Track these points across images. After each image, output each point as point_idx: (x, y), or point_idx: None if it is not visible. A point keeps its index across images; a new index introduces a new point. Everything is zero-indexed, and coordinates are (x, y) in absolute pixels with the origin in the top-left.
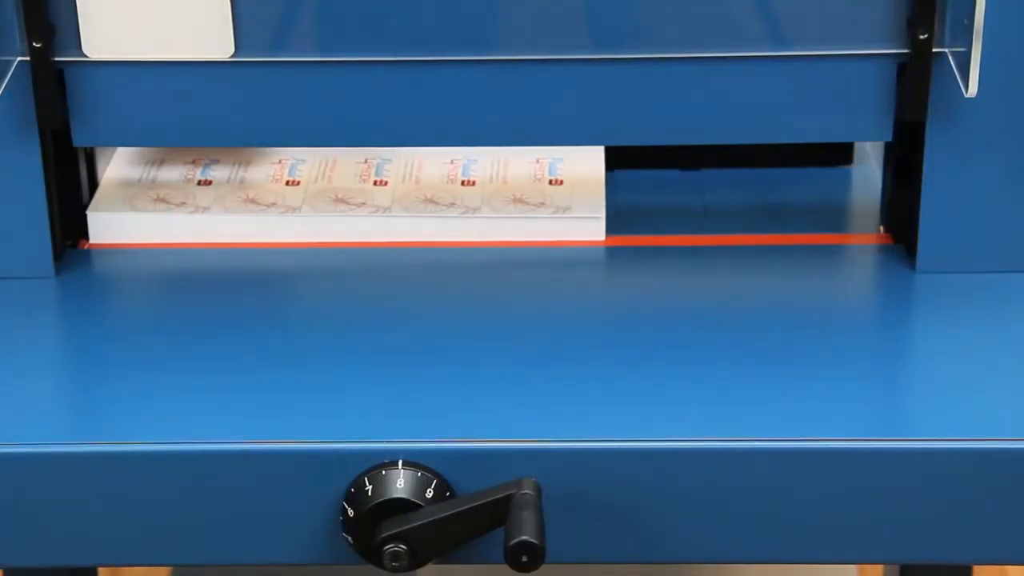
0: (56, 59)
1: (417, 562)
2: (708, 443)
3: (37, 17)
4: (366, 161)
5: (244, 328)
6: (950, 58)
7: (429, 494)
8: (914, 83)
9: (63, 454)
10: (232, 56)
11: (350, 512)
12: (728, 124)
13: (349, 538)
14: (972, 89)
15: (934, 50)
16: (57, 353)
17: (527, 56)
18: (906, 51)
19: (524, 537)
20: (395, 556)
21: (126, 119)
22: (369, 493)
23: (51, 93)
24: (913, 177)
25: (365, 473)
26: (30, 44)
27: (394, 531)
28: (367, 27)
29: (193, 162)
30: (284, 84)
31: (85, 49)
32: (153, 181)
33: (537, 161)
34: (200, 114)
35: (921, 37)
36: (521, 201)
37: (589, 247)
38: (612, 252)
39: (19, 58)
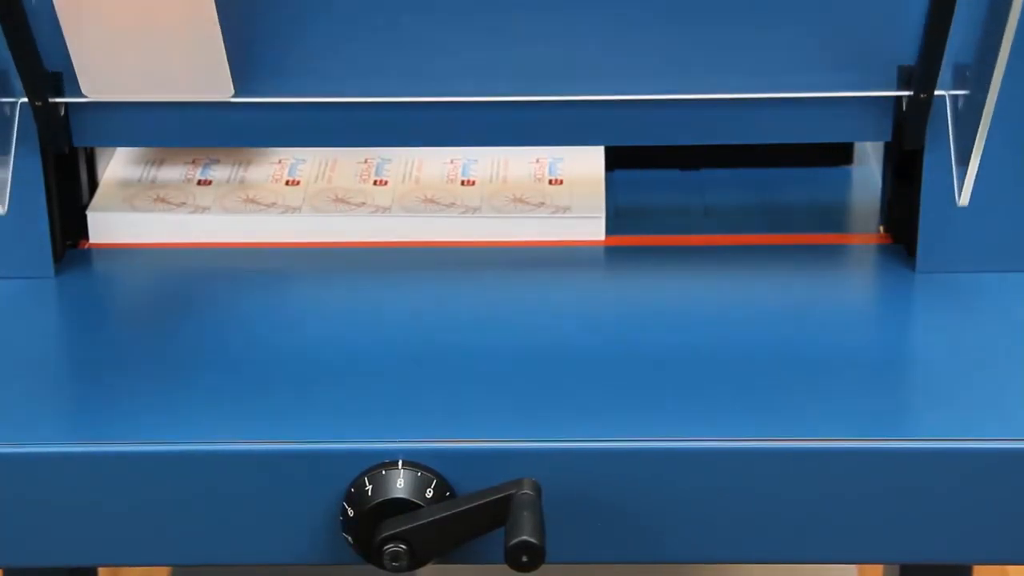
0: (58, 100)
1: (417, 562)
2: (708, 443)
3: (32, 69)
4: (366, 161)
5: (244, 328)
6: (947, 104)
7: (429, 494)
8: (914, 118)
9: (63, 454)
10: (232, 96)
11: (350, 512)
12: (728, 124)
13: (349, 538)
14: (964, 199)
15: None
16: (57, 353)
17: (526, 56)
18: (907, 93)
19: (524, 537)
20: (395, 556)
21: (126, 119)
22: (369, 493)
23: (56, 131)
24: (913, 177)
25: (365, 473)
26: (30, 100)
27: (394, 531)
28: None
29: (193, 162)
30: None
31: (84, 91)
32: (153, 181)
33: (537, 161)
34: (200, 114)
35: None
36: (521, 201)
37: (589, 247)
38: (612, 252)
39: (22, 99)
